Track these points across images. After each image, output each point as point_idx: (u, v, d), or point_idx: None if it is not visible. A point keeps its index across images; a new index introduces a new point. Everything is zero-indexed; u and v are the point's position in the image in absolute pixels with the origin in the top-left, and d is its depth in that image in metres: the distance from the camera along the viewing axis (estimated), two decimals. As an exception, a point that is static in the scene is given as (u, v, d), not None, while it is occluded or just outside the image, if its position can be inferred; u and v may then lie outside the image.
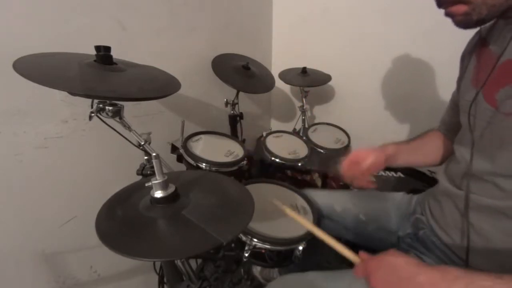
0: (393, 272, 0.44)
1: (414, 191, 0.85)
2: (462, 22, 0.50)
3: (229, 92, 1.17)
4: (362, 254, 0.52)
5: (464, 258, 0.57)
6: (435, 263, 0.64)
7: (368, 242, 0.82)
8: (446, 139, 0.77)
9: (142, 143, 0.60)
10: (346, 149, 1.32)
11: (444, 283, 0.39)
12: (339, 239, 0.86)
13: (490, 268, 0.54)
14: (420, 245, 0.70)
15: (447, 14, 0.52)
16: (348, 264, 0.56)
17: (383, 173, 1.18)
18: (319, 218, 0.80)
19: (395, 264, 0.45)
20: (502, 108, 0.50)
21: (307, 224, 0.63)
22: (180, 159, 0.95)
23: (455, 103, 0.72)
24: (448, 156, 0.74)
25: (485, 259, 0.55)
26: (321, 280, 0.64)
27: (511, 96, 0.49)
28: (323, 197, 0.86)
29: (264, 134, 1.24)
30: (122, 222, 0.53)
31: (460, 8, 0.49)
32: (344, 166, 0.71)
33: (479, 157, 0.55)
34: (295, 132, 1.44)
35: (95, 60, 0.55)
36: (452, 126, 0.73)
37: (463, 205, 0.58)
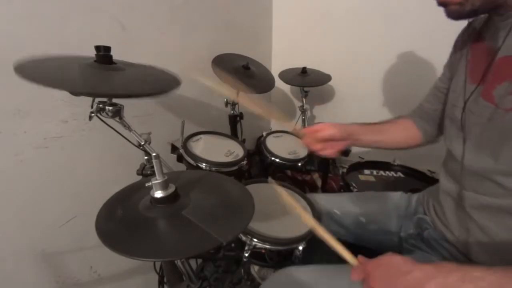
0: (390, 269, 0.46)
1: (413, 191, 0.84)
2: (455, 12, 0.51)
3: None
4: (361, 258, 0.52)
5: (468, 255, 0.58)
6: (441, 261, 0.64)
7: (369, 244, 0.82)
8: (414, 128, 0.78)
9: (142, 143, 0.60)
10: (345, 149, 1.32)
11: (440, 274, 0.41)
12: (339, 241, 0.87)
13: (493, 264, 0.55)
14: (425, 245, 0.70)
15: (440, 3, 0.53)
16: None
17: (383, 173, 1.18)
18: (319, 219, 0.80)
19: (392, 262, 0.47)
20: (502, 104, 0.50)
21: (306, 217, 0.62)
22: (180, 159, 0.95)
23: (439, 90, 0.71)
24: (413, 145, 0.78)
25: (488, 256, 0.56)
26: (318, 275, 0.63)
27: (510, 91, 0.49)
28: (323, 201, 0.86)
29: (264, 134, 1.24)
30: (122, 222, 0.53)
31: None
32: (305, 131, 0.73)
33: (480, 155, 0.55)
34: (295, 132, 1.44)
35: (95, 60, 0.55)
36: (429, 114, 0.73)
37: (464, 203, 0.58)
